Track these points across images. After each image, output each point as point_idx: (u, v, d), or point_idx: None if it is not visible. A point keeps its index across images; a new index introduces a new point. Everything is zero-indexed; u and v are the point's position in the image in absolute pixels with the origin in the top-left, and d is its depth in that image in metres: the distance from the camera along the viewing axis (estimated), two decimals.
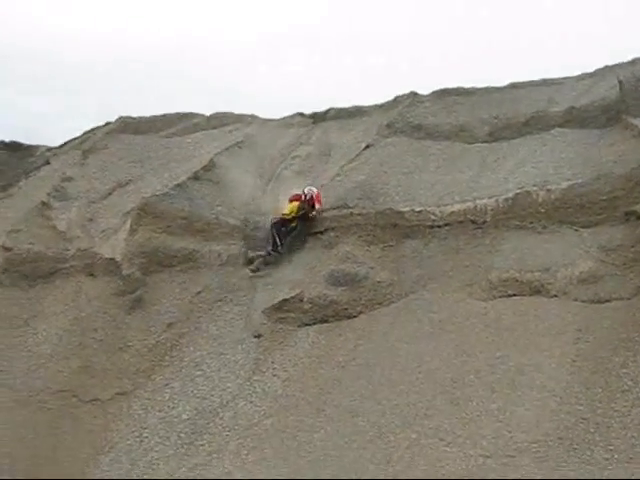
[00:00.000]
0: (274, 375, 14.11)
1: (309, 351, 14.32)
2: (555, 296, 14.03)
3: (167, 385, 14.40)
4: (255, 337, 14.86)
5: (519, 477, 11.16)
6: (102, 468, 13.01)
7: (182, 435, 13.33)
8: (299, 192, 17.10)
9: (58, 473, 13.07)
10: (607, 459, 11.42)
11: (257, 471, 12.27)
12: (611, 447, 11.58)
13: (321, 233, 16.15)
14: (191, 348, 14.96)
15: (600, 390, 12.43)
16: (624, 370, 12.68)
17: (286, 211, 16.84)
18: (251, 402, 13.71)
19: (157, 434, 13.42)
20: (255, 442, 12.83)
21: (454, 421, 12.28)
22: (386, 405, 12.86)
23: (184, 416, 13.71)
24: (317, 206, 16.78)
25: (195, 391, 14.19)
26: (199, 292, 16.02)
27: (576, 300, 13.87)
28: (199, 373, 14.43)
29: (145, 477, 12.70)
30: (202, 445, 13.06)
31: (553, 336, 13.35)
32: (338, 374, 13.69)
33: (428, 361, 13.42)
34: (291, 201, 17.01)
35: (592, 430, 11.83)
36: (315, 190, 16.95)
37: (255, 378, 14.20)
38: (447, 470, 11.52)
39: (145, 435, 13.45)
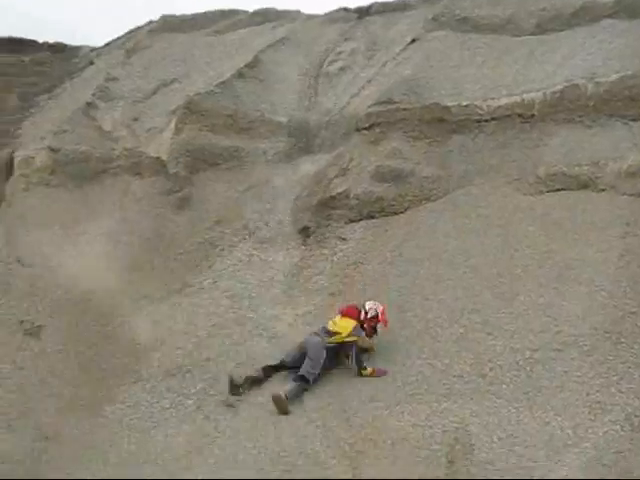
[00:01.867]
0: (320, 272, 14.11)
1: (355, 247, 14.30)
2: (603, 190, 13.83)
3: (215, 283, 14.43)
4: (301, 232, 14.79)
5: (566, 370, 11.21)
6: (153, 364, 13.13)
7: (232, 333, 13.40)
8: (353, 304, 12.69)
9: (111, 369, 13.27)
10: None
11: None
12: None
13: (366, 129, 15.78)
14: (239, 246, 14.96)
15: None
16: None
17: (339, 329, 12.29)
18: (298, 296, 13.75)
19: (206, 331, 13.51)
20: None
21: (501, 315, 12.28)
22: (433, 300, 12.86)
23: (231, 313, 13.77)
24: (380, 327, 12.47)
25: (243, 288, 14.22)
26: (245, 189, 15.95)
27: (624, 194, 13.67)
28: (247, 270, 14.45)
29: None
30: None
31: (601, 230, 13.22)
32: (385, 269, 13.68)
33: (475, 256, 13.37)
34: (344, 315, 12.50)
35: (639, 324, 11.78)
36: (380, 307, 12.44)
37: (303, 274, 14.21)
38: (494, 364, 11.58)
39: (195, 331, 13.54)
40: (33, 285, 14.64)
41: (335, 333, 12.31)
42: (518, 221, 13.73)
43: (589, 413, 10.63)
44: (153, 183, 16.36)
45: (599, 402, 10.74)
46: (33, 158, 16.90)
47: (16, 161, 17.03)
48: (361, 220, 14.76)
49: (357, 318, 12.41)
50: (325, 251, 14.40)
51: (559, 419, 10.64)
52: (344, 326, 12.34)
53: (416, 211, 14.59)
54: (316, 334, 12.36)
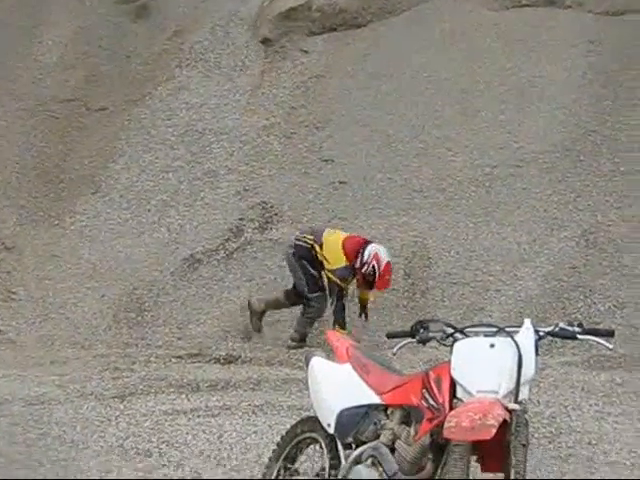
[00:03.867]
0: (282, 86, 13.73)
1: (317, 60, 13.87)
2: (569, 7, 13.47)
3: (174, 95, 13.98)
4: (262, 42, 14.26)
5: (525, 186, 11.20)
6: (113, 176, 12.87)
7: (190, 146, 13.10)
8: (360, 239, 10.12)
9: (70, 181, 12.98)
10: (613, 171, 11.39)
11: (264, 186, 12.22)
12: (617, 160, 11.51)
13: None
14: (199, 57, 14.44)
15: (610, 103, 12.20)
16: (635, 84, 12.40)
17: (326, 256, 9.95)
18: (258, 114, 13.41)
19: (164, 143, 13.20)
20: (258, 155, 12.68)
21: (462, 131, 12.14)
22: (395, 115, 12.63)
23: (192, 126, 13.43)
24: (376, 290, 9.96)
25: (202, 101, 13.82)
26: None
27: (590, 12, 13.34)
28: (207, 82, 14.01)
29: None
30: (209, 156, 12.87)
31: (565, 48, 12.94)
32: (347, 84, 13.35)
33: (438, 71, 13.06)
34: (343, 245, 9.98)
35: (599, 142, 11.72)
36: (383, 262, 9.70)
37: (262, 90, 13.82)
38: (454, 179, 11.55)
39: (152, 145, 13.21)
40: None
41: (321, 246, 10.01)
42: (482, 37, 13.37)
43: (546, 229, 10.71)
44: None
45: (556, 218, 10.79)
46: None
47: None
48: (323, 33, 14.21)
49: (352, 259, 9.84)
50: (287, 64, 13.95)
51: (516, 234, 10.70)
52: (333, 257, 9.92)
53: (380, 24, 14.07)
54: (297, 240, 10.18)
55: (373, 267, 9.57)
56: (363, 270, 9.64)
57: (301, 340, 9.86)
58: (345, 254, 9.82)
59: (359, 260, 9.67)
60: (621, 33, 12.89)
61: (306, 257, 9.99)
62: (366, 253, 9.65)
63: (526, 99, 12.40)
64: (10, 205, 12.61)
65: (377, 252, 9.65)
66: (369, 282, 9.75)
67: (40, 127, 13.73)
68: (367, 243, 9.86)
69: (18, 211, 12.54)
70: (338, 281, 9.79)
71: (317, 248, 9.96)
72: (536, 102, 12.32)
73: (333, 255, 9.88)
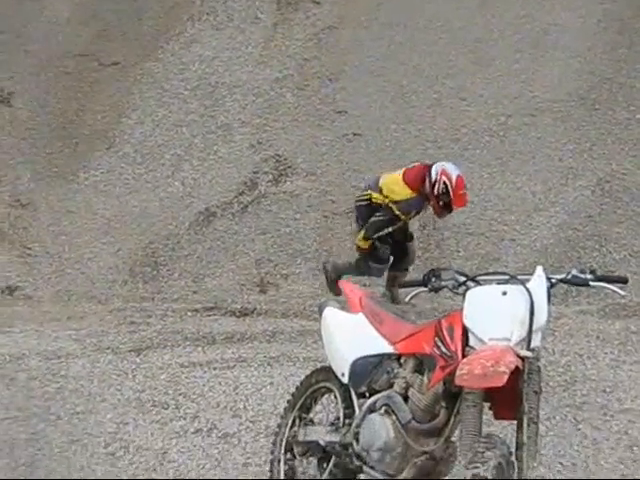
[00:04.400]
0: (294, 38, 13.62)
1: (329, 11, 13.71)
2: None
3: (186, 49, 13.88)
4: None
5: (540, 135, 11.14)
6: (126, 130, 12.83)
7: (203, 100, 13.04)
8: (421, 165, 9.07)
9: (84, 137, 12.96)
10: (629, 119, 11.34)
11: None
12: (633, 108, 11.45)
13: None
14: (211, 9, 14.30)
15: (625, 51, 12.09)
16: None
17: (387, 193, 8.84)
18: (270, 66, 13.32)
19: (177, 97, 13.14)
20: (271, 108, 12.61)
21: (476, 81, 12.04)
22: (408, 65, 12.53)
23: (205, 80, 13.36)
24: (456, 208, 8.83)
25: (214, 54, 13.73)
26: None
27: None
28: (218, 34, 13.90)
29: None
30: (222, 109, 12.82)
31: None
32: (359, 35, 13.23)
33: (451, 21, 12.93)
34: (404, 178, 8.89)
35: (615, 90, 11.64)
36: (453, 176, 8.59)
37: (274, 42, 13.71)
38: (468, 129, 11.49)
39: (166, 99, 13.15)
40: (1, 50, 14.08)
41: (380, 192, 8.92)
42: None
43: (561, 178, 10.66)
44: None
45: (571, 167, 10.74)
46: None
47: None
48: None
49: (417, 187, 8.75)
50: (299, 15, 13.82)
51: (531, 184, 10.67)
52: (397, 191, 8.80)
53: None
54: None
55: (444, 183, 8.46)
56: (435, 191, 8.50)
57: (334, 279, 8.77)
58: (409, 186, 8.76)
59: (427, 183, 8.59)
60: None
61: (369, 214, 8.96)
62: (433, 173, 8.61)
63: (540, 47, 12.28)
64: (24, 162, 12.60)
65: (444, 168, 8.64)
66: (446, 204, 8.60)
67: (52, 83, 13.67)
68: (430, 166, 8.81)
69: (32, 167, 12.52)
70: (401, 214, 8.73)
71: (375, 195, 8.92)
72: (551, 50, 12.20)
73: (397, 189, 8.79)
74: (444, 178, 8.45)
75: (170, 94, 13.20)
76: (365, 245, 8.83)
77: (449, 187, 8.39)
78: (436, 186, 8.47)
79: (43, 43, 14.12)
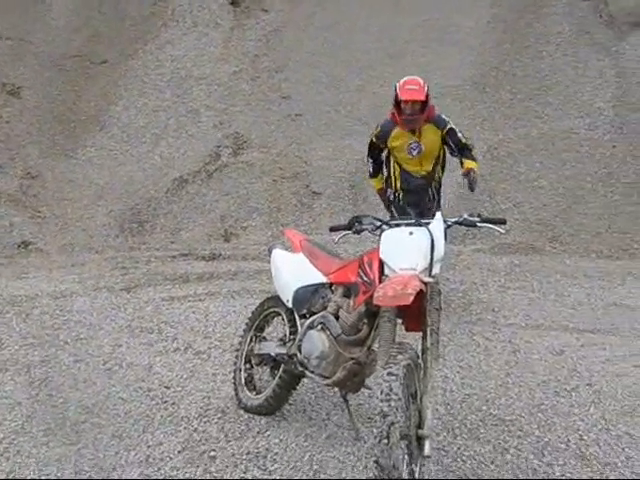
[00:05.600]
0: (248, 39, 13.48)
1: (275, 17, 13.64)
2: None
3: (160, 49, 13.71)
4: (231, 4, 13.95)
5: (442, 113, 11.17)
6: (114, 116, 12.69)
7: (175, 90, 12.87)
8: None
9: (88, 117, 12.77)
10: (512, 99, 11.46)
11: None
12: (515, 90, 11.56)
13: None
14: (180, 17, 14.10)
15: (509, 46, 12.20)
16: (529, 30, 12.36)
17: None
18: (229, 62, 13.17)
19: (155, 88, 12.98)
20: (230, 95, 12.51)
21: (392, 71, 11.95)
22: (338, 59, 12.53)
23: (177, 74, 13.18)
24: (403, 101, 6.48)
25: (183, 53, 13.55)
26: None
27: None
28: (187, 37, 13.73)
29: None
30: (190, 97, 12.67)
31: (473, 2, 12.82)
32: (299, 35, 13.15)
33: (371, 24, 12.94)
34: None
35: (500, 77, 11.75)
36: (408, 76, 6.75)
37: (232, 43, 13.56)
38: (386, 109, 11.37)
39: (145, 90, 13.02)
40: (11, 53, 13.76)
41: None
42: None
43: None
44: None
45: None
46: None
47: None
48: None
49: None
50: (251, 20, 13.69)
51: None
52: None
53: None
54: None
55: (395, 86, 6.56)
56: (396, 100, 6.50)
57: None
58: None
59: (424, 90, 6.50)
60: None
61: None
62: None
63: (442, 44, 12.32)
64: (33, 142, 12.38)
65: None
66: (398, 105, 6.50)
67: (54, 78, 13.42)
68: None
69: (39, 147, 12.32)
70: (372, 137, 6.92)
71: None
72: (450, 46, 12.24)
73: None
74: (396, 84, 6.57)
75: (149, 86, 13.05)
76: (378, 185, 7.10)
77: (397, 86, 6.50)
78: (394, 101, 6.57)
79: (45, 46, 13.83)
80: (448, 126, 6.65)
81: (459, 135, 6.70)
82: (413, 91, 6.47)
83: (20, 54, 13.66)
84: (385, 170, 7.05)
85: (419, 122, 6.53)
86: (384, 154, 6.98)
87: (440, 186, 6.98)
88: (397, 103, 6.52)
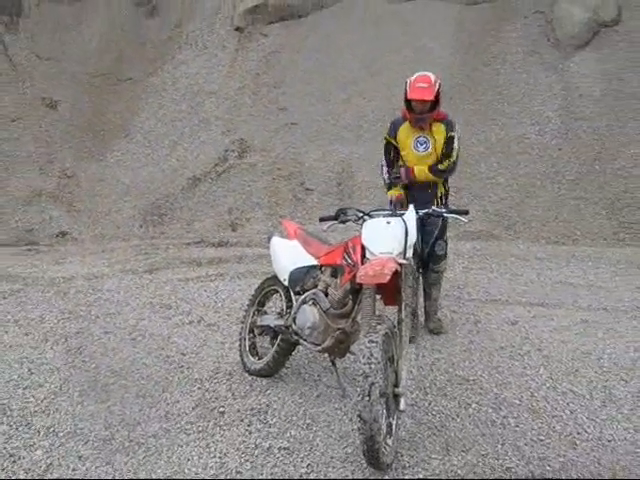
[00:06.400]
0: (250, 59, 13.40)
1: (273, 41, 13.55)
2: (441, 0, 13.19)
3: (177, 68, 13.65)
4: (236, 30, 13.88)
5: None
6: (137, 125, 12.65)
7: (190, 103, 12.81)
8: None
9: (115, 126, 12.70)
10: (473, 109, 11.37)
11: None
12: (477, 101, 11.59)
13: None
14: (193, 41, 14.01)
15: (472, 65, 12.12)
16: (488, 50, 12.34)
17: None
18: (234, 79, 13.08)
19: (172, 101, 12.94)
20: (236, 107, 12.43)
21: (373, 87, 12.02)
22: (327, 76, 12.45)
23: (190, 89, 13.10)
24: (413, 100, 5.47)
25: (195, 71, 13.47)
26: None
27: (456, 2, 13.06)
28: (199, 58, 13.66)
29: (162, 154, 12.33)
30: (202, 109, 12.60)
31: (440, 28, 12.74)
32: (293, 56, 13.07)
33: (356, 47, 12.82)
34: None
35: (464, 90, 11.67)
36: (418, 73, 5.65)
37: (237, 63, 13.46)
38: (368, 119, 11.43)
39: (163, 103, 12.97)
40: (49, 71, 13.65)
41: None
42: (386, 23, 13.09)
43: None
44: None
45: None
46: None
47: None
48: (277, 22, 13.83)
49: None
50: (253, 44, 13.61)
51: None
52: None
53: (316, 15, 13.71)
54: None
55: (405, 83, 5.56)
56: (406, 99, 5.49)
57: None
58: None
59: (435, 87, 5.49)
60: (477, 16, 12.71)
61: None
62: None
63: (415, 63, 12.15)
64: (69, 147, 12.33)
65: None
66: (408, 103, 5.50)
67: (86, 93, 13.36)
68: None
69: (74, 152, 12.28)
70: (386, 135, 5.81)
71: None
72: (422, 64, 11.97)
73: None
74: (407, 81, 5.58)
75: (167, 99, 12.99)
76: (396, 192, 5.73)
77: (407, 83, 5.52)
78: (405, 95, 5.54)
79: (78, 66, 13.76)
80: (452, 133, 5.58)
81: (454, 145, 5.58)
82: (422, 90, 5.45)
83: (57, 72, 13.59)
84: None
85: (428, 121, 5.56)
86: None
87: (446, 181, 5.77)
88: (407, 101, 5.50)
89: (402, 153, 5.69)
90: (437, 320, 5.87)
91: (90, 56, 13.95)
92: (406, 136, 5.66)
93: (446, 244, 5.77)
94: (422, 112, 5.50)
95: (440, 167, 5.59)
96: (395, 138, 5.71)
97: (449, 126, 5.61)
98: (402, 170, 5.64)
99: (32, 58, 13.86)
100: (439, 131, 5.59)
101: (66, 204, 11.24)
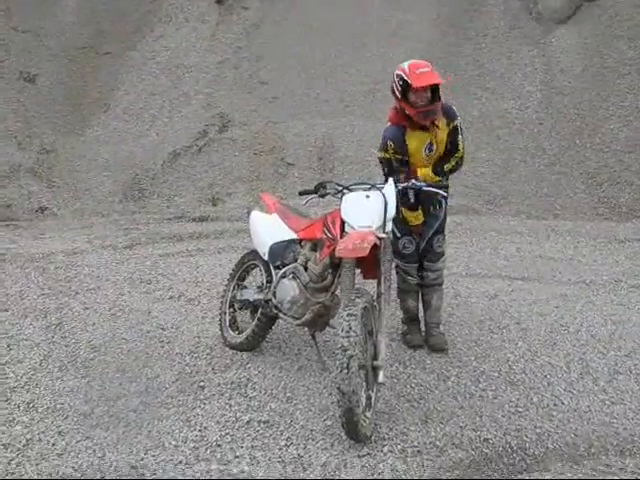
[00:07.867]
0: (231, 32, 13.22)
1: (254, 14, 13.34)
2: None
3: (156, 42, 13.39)
4: (216, 3, 13.62)
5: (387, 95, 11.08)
6: (117, 99, 12.48)
7: (169, 77, 12.63)
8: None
9: (94, 100, 12.50)
10: (454, 84, 11.22)
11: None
12: (458, 76, 11.50)
13: None
14: (173, 14, 13.75)
15: (452, 39, 12.10)
16: (469, 25, 12.28)
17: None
18: (215, 52, 12.92)
19: (151, 75, 12.74)
20: (216, 81, 12.29)
21: (354, 60, 12.04)
22: (308, 50, 12.35)
23: (170, 63, 12.90)
24: (418, 88, 4.46)
25: (175, 45, 13.24)
26: None
27: None
28: (179, 31, 13.42)
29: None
30: (182, 83, 12.46)
31: (421, 2, 12.69)
32: (274, 29, 12.92)
33: (336, 21, 12.72)
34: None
35: (445, 65, 11.53)
36: (407, 62, 4.66)
37: (217, 36, 13.26)
38: (350, 92, 11.39)
39: (143, 77, 12.78)
40: (27, 45, 13.38)
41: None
42: None
43: None
44: None
45: None
46: None
47: None
48: None
49: (391, 117, 4.83)
50: (233, 17, 13.42)
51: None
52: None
53: None
54: None
55: (398, 75, 4.59)
56: (397, 93, 4.60)
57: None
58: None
59: (394, 96, 4.68)
60: None
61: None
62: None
63: (396, 37, 12.19)
64: (48, 122, 12.14)
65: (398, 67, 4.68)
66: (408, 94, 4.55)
67: (64, 67, 13.12)
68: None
69: (53, 126, 12.09)
70: (379, 152, 4.92)
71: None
72: (403, 39, 12.12)
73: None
74: (397, 72, 4.62)
75: (146, 73, 12.81)
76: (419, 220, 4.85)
77: (403, 74, 4.53)
78: (395, 87, 4.63)
79: (56, 39, 13.49)
80: (456, 122, 4.74)
81: (460, 136, 4.79)
82: (428, 75, 4.51)
83: (35, 46, 13.32)
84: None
85: (439, 111, 4.61)
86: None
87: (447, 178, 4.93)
88: (405, 97, 4.56)
89: (410, 160, 4.73)
90: (439, 334, 4.91)
91: (68, 30, 13.67)
92: (417, 145, 4.69)
93: (444, 239, 4.93)
94: (431, 102, 4.53)
95: (446, 167, 4.80)
96: (407, 152, 4.70)
97: (450, 113, 4.70)
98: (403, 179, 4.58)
99: (9, 32, 13.59)
100: (441, 126, 4.68)
101: (45, 179, 11.09)
